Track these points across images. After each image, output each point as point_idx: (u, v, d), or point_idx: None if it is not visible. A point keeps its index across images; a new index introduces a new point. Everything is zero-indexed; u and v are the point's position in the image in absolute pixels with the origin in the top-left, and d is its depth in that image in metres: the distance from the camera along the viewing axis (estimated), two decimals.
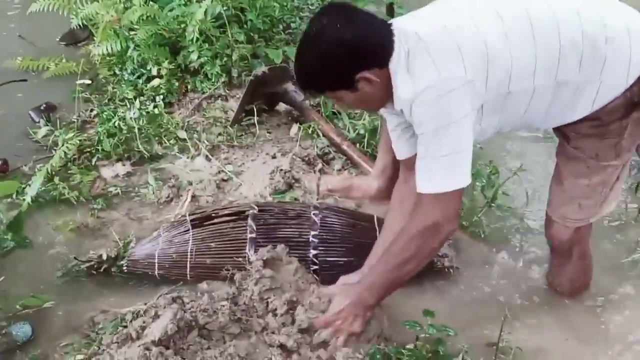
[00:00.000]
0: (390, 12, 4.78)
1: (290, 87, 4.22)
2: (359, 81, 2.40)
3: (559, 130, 2.75)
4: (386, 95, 2.46)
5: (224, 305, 2.86)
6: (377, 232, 3.08)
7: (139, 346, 2.62)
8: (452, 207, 2.48)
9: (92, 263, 3.13)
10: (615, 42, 2.46)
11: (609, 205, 2.84)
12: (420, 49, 2.36)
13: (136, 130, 4.01)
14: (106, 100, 4.47)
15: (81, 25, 4.69)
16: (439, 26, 2.40)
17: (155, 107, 4.28)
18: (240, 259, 3.02)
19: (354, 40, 2.35)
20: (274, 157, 3.90)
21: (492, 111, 2.49)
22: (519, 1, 2.49)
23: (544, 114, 2.58)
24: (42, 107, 4.36)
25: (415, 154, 2.50)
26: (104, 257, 3.12)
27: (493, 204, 3.49)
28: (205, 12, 4.32)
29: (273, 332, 2.78)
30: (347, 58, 2.37)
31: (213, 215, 3.15)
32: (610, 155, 2.66)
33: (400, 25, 2.44)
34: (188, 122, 4.24)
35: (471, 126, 2.40)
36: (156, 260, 3.08)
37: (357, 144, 3.93)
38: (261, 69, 4.09)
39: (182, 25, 4.51)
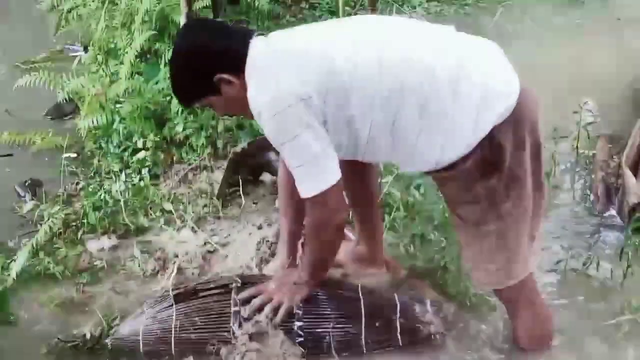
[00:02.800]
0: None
1: (272, 156, 4.24)
2: (219, 84, 2.67)
3: (444, 197, 2.90)
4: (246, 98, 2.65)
5: None
6: (362, 302, 3.08)
7: None
8: (330, 204, 2.69)
9: (76, 342, 3.10)
10: (464, 98, 2.55)
11: (526, 265, 2.87)
12: (269, 63, 2.61)
13: (122, 203, 4.01)
14: (92, 174, 4.48)
15: (67, 99, 4.74)
16: (295, 43, 2.69)
17: (141, 179, 4.29)
18: (225, 333, 3.00)
19: (205, 45, 2.69)
20: (259, 227, 3.89)
21: (337, 130, 2.63)
22: (378, 37, 2.66)
23: (389, 151, 2.70)
24: (26, 183, 4.36)
25: None
26: (88, 336, 3.09)
27: None
28: None
29: None
30: (201, 61, 2.68)
31: (197, 289, 3.14)
32: (489, 219, 2.72)
33: (269, 38, 2.74)
34: (174, 193, 4.24)
35: (319, 134, 2.58)
36: (140, 337, 3.05)
37: None
38: (239, 146, 4.12)
39: (168, 98, 4.54)
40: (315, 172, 2.62)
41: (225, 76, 2.65)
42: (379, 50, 2.59)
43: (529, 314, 3.02)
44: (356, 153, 2.79)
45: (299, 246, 3.26)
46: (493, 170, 2.63)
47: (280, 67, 2.58)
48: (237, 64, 2.65)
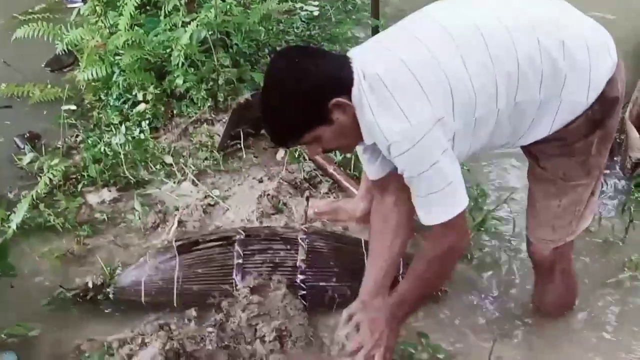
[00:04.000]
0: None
1: None
2: (332, 111, 2.35)
3: (528, 151, 2.74)
4: (358, 127, 2.42)
5: (211, 332, 2.86)
6: (365, 256, 3.07)
7: None
8: (459, 228, 2.48)
9: (78, 291, 3.11)
10: (574, 59, 2.43)
11: (585, 221, 2.83)
12: (383, 92, 2.32)
13: (122, 156, 4.00)
14: (92, 126, 4.45)
15: (66, 50, 4.67)
16: (396, 62, 2.35)
17: (141, 132, 4.27)
18: (227, 286, 3.00)
19: (316, 71, 2.34)
20: (260, 181, 3.89)
21: (462, 138, 2.44)
22: (467, 19, 2.43)
23: (510, 133, 2.55)
24: (25, 136, 4.33)
25: (387, 174, 2.57)
26: (90, 285, 3.09)
27: (482, 228, 3.49)
28: (191, 37, 4.32)
29: (261, 359, 2.77)
30: (314, 88, 2.34)
31: (200, 241, 3.13)
32: (579, 174, 2.65)
33: (357, 59, 2.41)
34: (174, 147, 4.22)
35: (452, 156, 2.38)
36: (142, 287, 3.06)
37: (344, 168, 3.93)
38: (243, 97, 4.09)
39: (168, 50, 4.50)
40: (447, 199, 2.41)
41: (341, 99, 2.34)
42: (478, 37, 2.39)
43: (560, 282, 3.00)
44: (476, 152, 2.64)
45: None
46: (597, 127, 2.54)
47: (402, 90, 2.32)
48: (347, 87, 2.36)
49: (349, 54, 2.45)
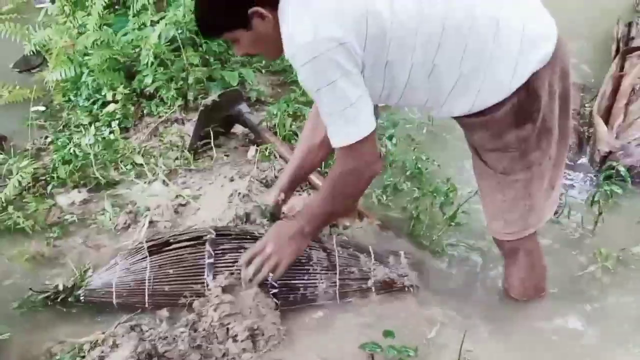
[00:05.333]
0: None
1: (244, 108, 4.22)
2: (252, 17, 2.53)
3: (470, 143, 2.82)
4: (280, 39, 2.54)
5: (183, 332, 2.85)
6: (337, 254, 3.08)
7: None
8: (365, 153, 2.62)
9: (49, 294, 3.08)
10: (504, 41, 2.49)
11: (541, 216, 2.88)
12: (302, 5, 2.46)
13: (92, 157, 3.97)
14: (61, 127, 4.43)
15: (35, 51, 4.65)
16: None
17: (111, 132, 4.24)
18: (198, 286, 2.99)
19: None
20: (232, 180, 3.87)
21: (374, 76, 2.55)
22: None
23: (427, 95, 2.64)
24: None
25: None
26: (60, 287, 3.06)
27: (453, 223, 3.50)
28: (160, 36, 4.31)
29: (234, 358, 2.77)
30: None
31: (170, 241, 3.12)
32: (517, 168, 2.70)
33: None
34: (145, 147, 4.20)
35: (356, 80, 2.49)
36: (114, 289, 3.04)
37: None
38: (210, 98, 4.08)
39: (137, 50, 4.49)
40: (349, 121, 2.53)
41: (261, 10, 2.51)
42: None
43: (525, 263, 3.03)
44: (391, 99, 2.73)
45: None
46: (527, 119, 2.59)
47: (318, 9, 2.43)
48: (273, 0, 2.53)
49: None
